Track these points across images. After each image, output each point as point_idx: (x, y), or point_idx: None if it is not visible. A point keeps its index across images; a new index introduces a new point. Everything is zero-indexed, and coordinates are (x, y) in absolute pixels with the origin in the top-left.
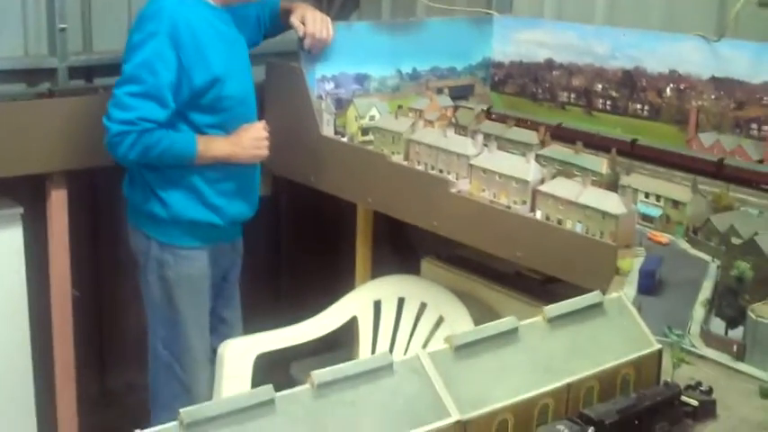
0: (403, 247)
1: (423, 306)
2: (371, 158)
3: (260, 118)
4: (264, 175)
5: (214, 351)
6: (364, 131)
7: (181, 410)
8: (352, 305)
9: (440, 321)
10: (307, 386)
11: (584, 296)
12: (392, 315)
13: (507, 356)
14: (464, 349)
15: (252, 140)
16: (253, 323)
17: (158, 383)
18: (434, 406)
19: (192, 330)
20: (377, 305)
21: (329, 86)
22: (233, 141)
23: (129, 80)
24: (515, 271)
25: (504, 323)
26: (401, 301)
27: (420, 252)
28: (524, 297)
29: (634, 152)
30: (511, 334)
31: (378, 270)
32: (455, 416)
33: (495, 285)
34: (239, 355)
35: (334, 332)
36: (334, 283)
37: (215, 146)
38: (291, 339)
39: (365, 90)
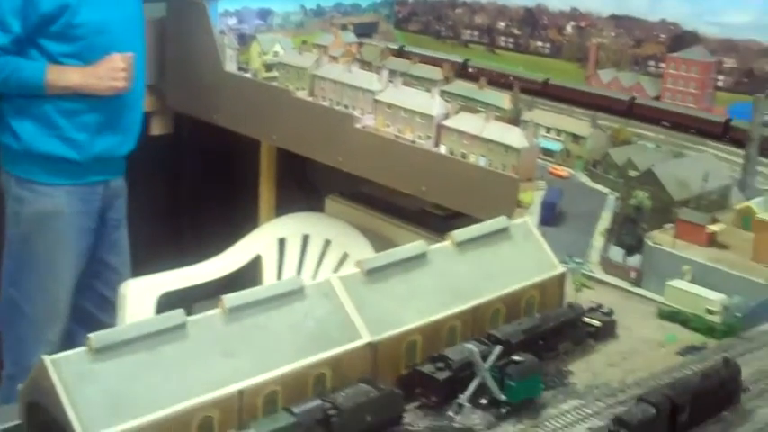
0: (307, 185)
1: (327, 243)
2: (275, 94)
3: (160, 53)
4: (165, 112)
5: (103, 297)
6: (268, 67)
7: (90, 335)
8: (256, 244)
9: (344, 258)
10: (218, 310)
11: (490, 221)
12: (296, 253)
13: (416, 280)
14: (374, 273)
15: (108, 71)
16: (154, 263)
17: (4, 322)
18: (345, 328)
19: (47, 272)
20: (281, 243)
21: (232, 22)
22: (87, 72)
23: None
24: (420, 208)
25: (414, 248)
26: (305, 239)
27: (324, 190)
28: (428, 233)
29: (546, 91)
30: (420, 258)
31: (282, 208)
32: (366, 337)
33: (399, 222)
34: (141, 294)
35: (238, 272)
36: (238, 221)
37: (67, 75)
38: (194, 278)
39: (268, 26)
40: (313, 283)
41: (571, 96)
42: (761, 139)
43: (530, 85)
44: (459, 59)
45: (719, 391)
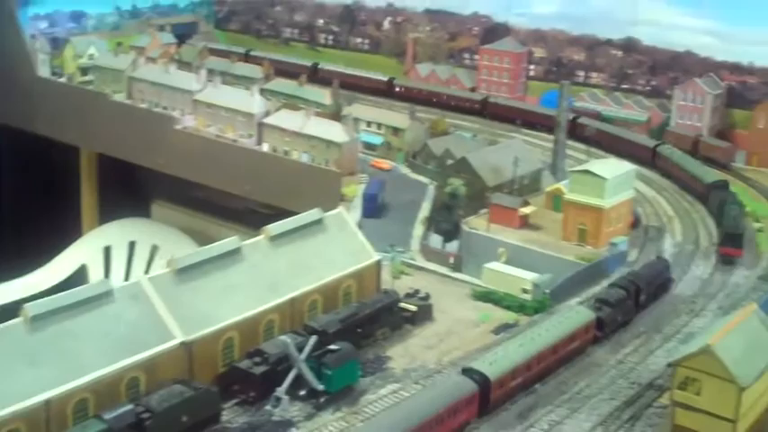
0: (132, 191)
1: (155, 248)
2: (92, 99)
3: None
4: None
5: None
6: (83, 71)
7: None
8: (81, 253)
9: None
10: (20, 319)
11: (304, 213)
12: (123, 260)
13: (231, 276)
14: (186, 271)
15: None
16: None
17: None
18: (158, 329)
19: None
20: (108, 251)
21: (43, 25)
22: None
23: None
24: (247, 208)
25: (227, 243)
26: (132, 245)
27: (151, 194)
28: (256, 233)
29: (392, 92)
30: (234, 254)
31: (107, 215)
32: (179, 338)
33: (227, 223)
34: None
35: (64, 283)
36: (62, 231)
37: None
38: (17, 293)
39: (82, 29)
40: (121, 286)
41: (417, 96)
42: (568, 123)
43: (375, 84)
44: (309, 62)
45: (659, 278)
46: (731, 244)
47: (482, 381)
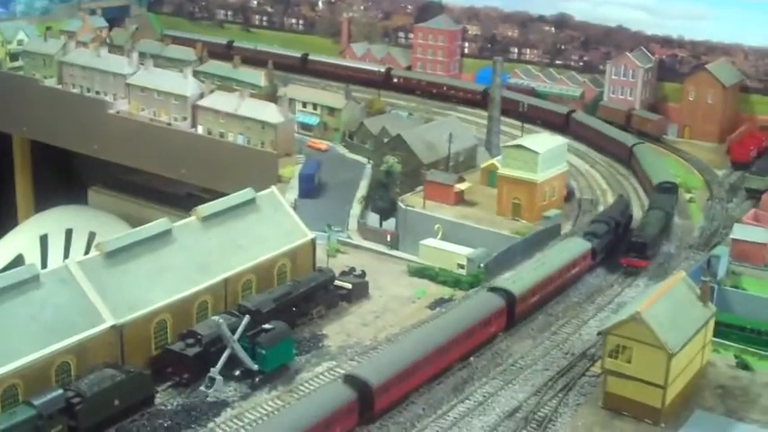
0: (68, 178)
1: (92, 236)
2: (22, 84)
3: None
4: None
5: None
6: (13, 57)
7: None
8: (16, 242)
9: None
10: None
11: (236, 193)
12: (60, 248)
13: (162, 258)
14: (116, 255)
15: None
16: None
17: None
18: (87, 313)
19: None
20: (44, 240)
21: None
22: None
23: None
24: (186, 192)
25: (156, 225)
26: (69, 233)
27: (87, 181)
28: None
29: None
30: (164, 236)
31: (43, 203)
32: (110, 321)
33: (165, 208)
34: None
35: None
36: None
37: None
38: None
39: (11, 14)
40: (49, 270)
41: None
42: (501, 99)
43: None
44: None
45: (626, 213)
46: (635, 254)
47: (508, 296)
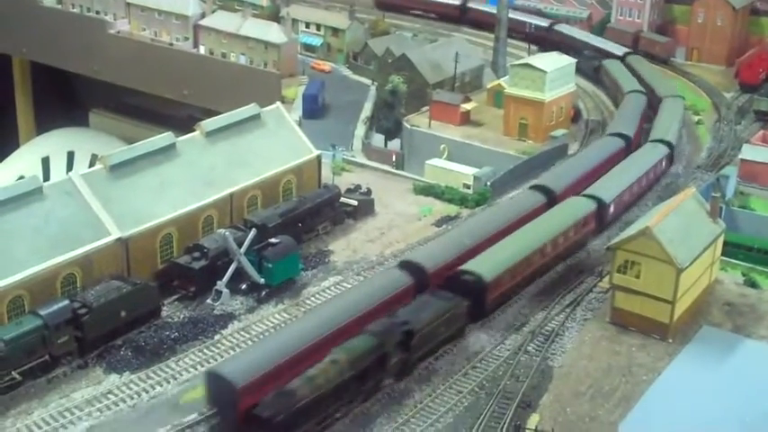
0: (69, 100)
1: (94, 157)
2: (21, 4)
3: None
4: None
5: None
6: None
7: None
8: (18, 164)
9: None
10: None
11: (241, 109)
12: (62, 170)
13: (167, 172)
14: (120, 168)
15: None
16: None
17: None
18: (92, 226)
19: None
20: (46, 161)
21: None
22: None
23: None
24: (188, 115)
25: (161, 139)
26: (71, 155)
27: (88, 103)
28: None
29: None
30: (169, 150)
31: (44, 125)
32: (115, 234)
33: (167, 130)
34: None
35: None
36: None
37: None
38: None
39: None
40: (52, 183)
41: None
42: (508, 20)
43: None
44: None
45: None
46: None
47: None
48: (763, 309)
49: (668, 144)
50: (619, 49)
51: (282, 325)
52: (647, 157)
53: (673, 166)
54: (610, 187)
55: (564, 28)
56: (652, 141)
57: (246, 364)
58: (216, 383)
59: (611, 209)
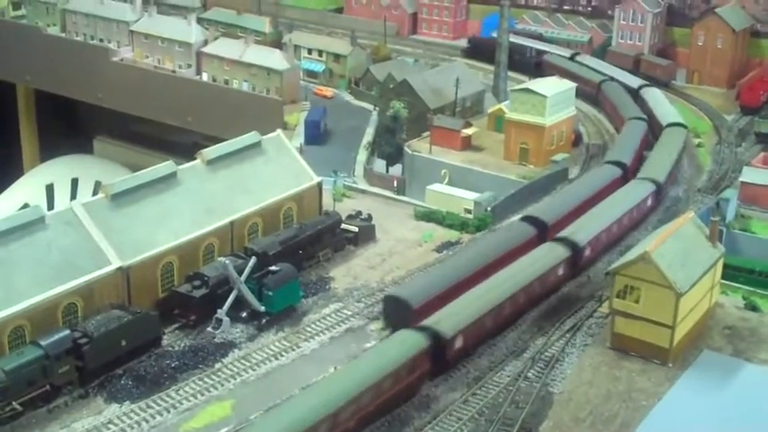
0: (73, 127)
1: (98, 185)
2: (26, 33)
3: None
4: None
5: None
6: (16, 5)
7: None
8: (22, 192)
9: None
10: None
11: (242, 137)
12: (66, 197)
13: (168, 201)
14: (122, 197)
15: None
16: None
17: None
18: (93, 255)
19: None
20: (50, 189)
21: None
22: None
23: None
24: (193, 142)
25: (162, 168)
26: (75, 182)
27: (92, 130)
28: None
29: None
30: (170, 179)
31: (48, 153)
32: (116, 263)
33: (171, 157)
34: None
35: None
36: (2, 170)
37: None
38: None
39: None
40: (54, 212)
41: None
42: (509, 44)
43: None
44: None
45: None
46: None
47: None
48: (764, 332)
49: (655, 182)
50: (635, 81)
51: (288, 353)
52: (631, 195)
53: (671, 191)
54: (587, 228)
55: (585, 59)
56: (640, 179)
57: (419, 289)
58: (394, 305)
59: (587, 252)
